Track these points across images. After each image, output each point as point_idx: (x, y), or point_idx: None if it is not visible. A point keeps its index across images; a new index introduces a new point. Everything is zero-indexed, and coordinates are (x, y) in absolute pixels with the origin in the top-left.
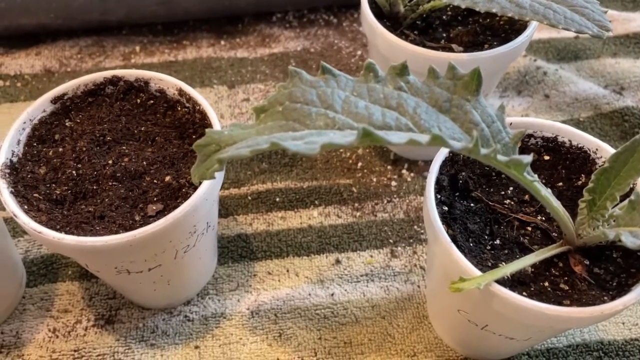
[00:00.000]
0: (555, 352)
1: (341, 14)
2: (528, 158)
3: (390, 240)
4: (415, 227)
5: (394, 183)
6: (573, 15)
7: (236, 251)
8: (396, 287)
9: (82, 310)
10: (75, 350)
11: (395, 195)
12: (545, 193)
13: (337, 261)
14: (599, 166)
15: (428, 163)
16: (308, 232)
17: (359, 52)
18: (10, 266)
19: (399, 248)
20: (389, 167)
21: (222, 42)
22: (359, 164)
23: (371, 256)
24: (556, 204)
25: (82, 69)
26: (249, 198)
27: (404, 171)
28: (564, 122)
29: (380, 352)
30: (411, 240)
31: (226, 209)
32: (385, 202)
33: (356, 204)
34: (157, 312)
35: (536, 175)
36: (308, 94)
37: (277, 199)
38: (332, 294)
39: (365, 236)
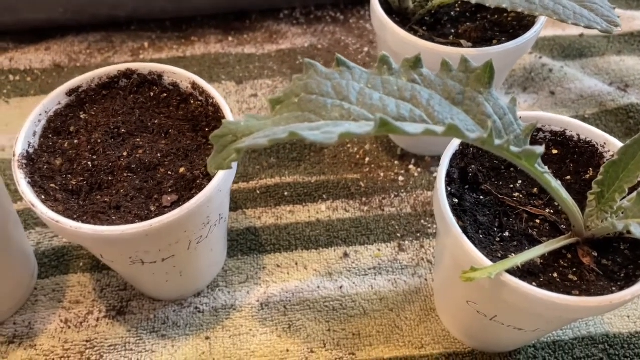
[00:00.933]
0: (561, 344)
1: (348, 11)
2: (540, 149)
3: (398, 234)
4: (423, 221)
5: (401, 178)
6: (582, 11)
7: (245, 244)
8: (404, 280)
9: (93, 301)
10: (87, 341)
11: (402, 190)
12: (556, 185)
13: (345, 255)
14: (607, 160)
15: (435, 158)
16: (316, 226)
17: (365, 49)
18: (23, 258)
19: (407, 242)
20: (396, 162)
21: (230, 38)
22: (367, 159)
23: (379, 250)
24: (566, 195)
25: (92, 64)
26: (258, 192)
27: (411, 166)
28: None
29: (389, 344)
30: (418, 234)
31: (235, 202)
32: (393, 196)
33: (364, 199)
34: (167, 304)
35: (547, 167)
36: (323, 85)
37: (286, 193)
38: (341, 287)
39: (373, 230)
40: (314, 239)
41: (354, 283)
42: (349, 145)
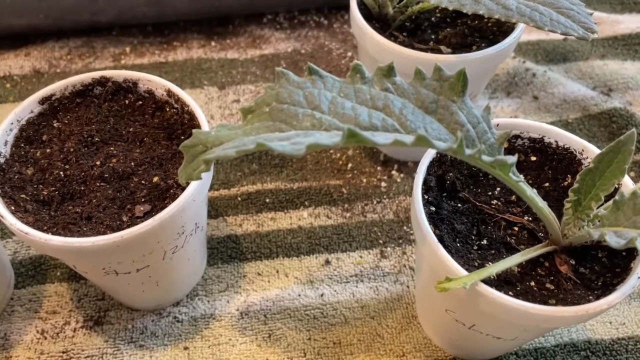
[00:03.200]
0: (543, 351)
1: (332, 16)
2: (512, 158)
3: (380, 241)
4: (405, 227)
5: (383, 184)
6: (559, 17)
7: (226, 252)
8: (385, 287)
9: (70, 311)
10: (63, 352)
11: (384, 196)
12: (531, 193)
13: (327, 262)
14: (585, 167)
15: (418, 164)
16: (298, 233)
17: (349, 54)
18: None
19: (389, 249)
20: (378, 168)
21: (213, 43)
22: (349, 165)
23: (361, 257)
24: (542, 204)
25: (72, 70)
26: (239, 199)
27: (393, 172)
28: (552, 123)
29: (370, 353)
30: (400, 241)
31: (216, 209)
32: (375, 202)
33: (346, 205)
34: (146, 314)
35: (522, 176)
36: (295, 94)
37: (267, 200)
38: (322, 295)
39: (355, 237)
40: (296, 246)
41: (335, 291)
42: (331, 151)
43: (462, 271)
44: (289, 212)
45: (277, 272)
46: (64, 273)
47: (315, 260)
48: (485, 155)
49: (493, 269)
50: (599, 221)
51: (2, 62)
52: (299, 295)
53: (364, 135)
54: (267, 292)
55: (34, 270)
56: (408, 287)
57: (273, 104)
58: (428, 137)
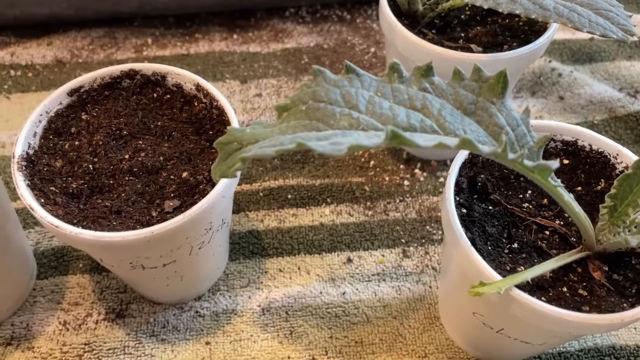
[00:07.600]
0: (567, 356)
1: (354, 11)
2: (555, 164)
3: (402, 240)
4: (428, 227)
5: (406, 182)
6: (597, 19)
7: (247, 247)
8: (408, 287)
9: (92, 303)
10: (85, 344)
11: (407, 195)
12: (568, 198)
13: (349, 260)
14: (619, 171)
15: (441, 163)
16: (320, 230)
17: (372, 49)
18: (21, 257)
19: (411, 248)
20: (401, 166)
21: (235, 36)
22: (372, 163)
23: (383, 255)
24: (578, 209)
25: (94, 60)
26: (261, 194)
27: (416, 170)
28: (578, 124)
29: (391, 352)
30: (423, 241)
31: (238, 205)
32: (398, 201)
33: (368, 203)
34: (168, 307)
35: (559, 180)
36: (332, 93)
37: (289, 196)
38: (344, 293)
39: (377, 235)
40: (317, 243)
41: (357, 289)
42: None
43: (497, 276)
44: (311, 208)
45: (299, 269)
46: (86, 265)
47: (337, 258)
48: (527, 160)
49: (528, 274)
50: (635, 227)
51: (25, 51)
52: (321, 292)
53: (406, 136)
54: (289, 289)
55: (56, 262)
56: (431, 287)
57: (310, 102)
58: (473, 141)
